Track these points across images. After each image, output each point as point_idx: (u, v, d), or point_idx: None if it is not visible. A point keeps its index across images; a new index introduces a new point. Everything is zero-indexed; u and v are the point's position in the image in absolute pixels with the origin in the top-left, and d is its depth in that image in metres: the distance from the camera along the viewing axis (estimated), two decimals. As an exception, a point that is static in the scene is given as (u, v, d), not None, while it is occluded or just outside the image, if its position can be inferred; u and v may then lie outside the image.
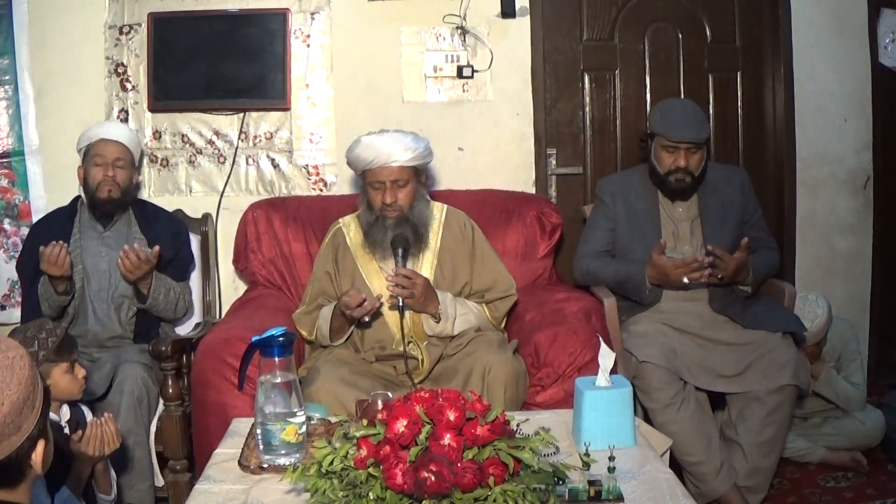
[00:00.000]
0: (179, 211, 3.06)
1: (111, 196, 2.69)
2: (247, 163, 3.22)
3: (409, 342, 2.41)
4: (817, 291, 2.96)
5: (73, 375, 2.01)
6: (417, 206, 2.49)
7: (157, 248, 2.58)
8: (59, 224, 2.74)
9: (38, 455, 1.18)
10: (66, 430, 1.99)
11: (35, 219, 3.07)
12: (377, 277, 2.48)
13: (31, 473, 1.19)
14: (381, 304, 2.40)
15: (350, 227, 2.61)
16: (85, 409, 2.15)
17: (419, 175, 2.52)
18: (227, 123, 3.20)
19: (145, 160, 3.20)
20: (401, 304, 2.33)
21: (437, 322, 2.42)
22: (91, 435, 1.87)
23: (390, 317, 2.45)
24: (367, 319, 2.36)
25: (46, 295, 2.59)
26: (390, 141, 2.42)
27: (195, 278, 3.00)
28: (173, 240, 2.81)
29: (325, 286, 2.56)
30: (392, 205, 2.44)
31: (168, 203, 3.05)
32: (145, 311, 2.67)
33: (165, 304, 2.67)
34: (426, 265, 2.51)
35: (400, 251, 2.40)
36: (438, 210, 2.61)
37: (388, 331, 2.45)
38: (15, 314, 3.05)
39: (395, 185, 2.44)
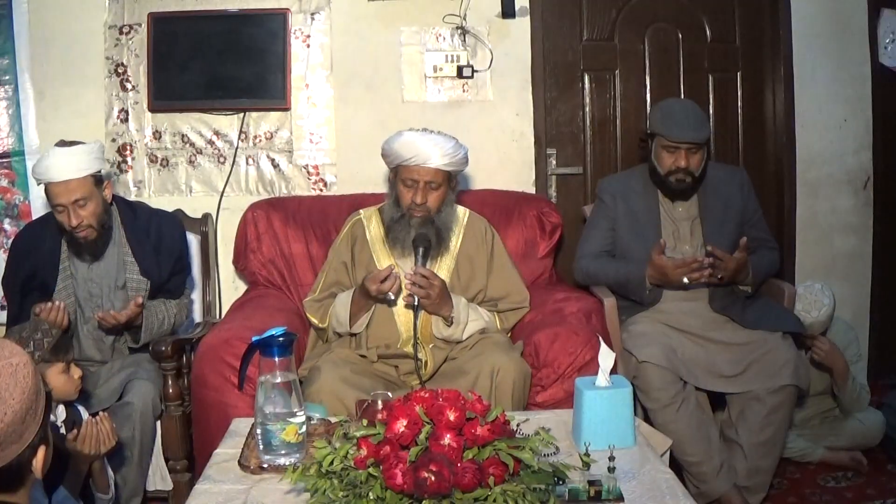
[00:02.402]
0: (179, 211, 3.04)
1: (88, 239, 2.49)
2: (247, 163, 3.22)
3: (414, 343, 2.41)
4: (825, 283, 2.95)
5: (69, 376, 2.00)
6: (445, 210, 2.49)
7: (140, 299, 2.46)
8: (47, 243, 2.55)
9: (38, 461, 1.18)
10: (63, 430, 1.99)
11: (34, 219, 2.99)
12: None
13: (31, 478, 1.19)
14: (401, 290, 2.39)
15: (371, 220, 2.59)
16: (81, 408, 2.14)
17: (452, 180, 2.51)
18: (227, 123, 3.20)
19: (145, 160, 3.20)
20: (416, 303, 2.33)
21: (449, 325, 2.42)
22: (86, 433, 1.86)
23: (400, 315, 2.45)
24: (392, 297, 2.34)
25: None
26: (431, 143, 2.41)
27: (195, 278, 2.99)
28: (168, 257, 2.64)
29: (340, 276, 2.55)
30: (421, 205, 2.43)
31: (168, 203, 3.05)
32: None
33: (160, 333, 2.56)
34: (444, 268, 2.51)
35: (421, 250, 2.40)
36: (461, 213, 2.61)
37: (395, 330, 2.45)
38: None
39: (427, 186, 2.43)
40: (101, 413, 1.92)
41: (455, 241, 2.55)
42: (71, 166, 2.41)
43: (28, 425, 1.14)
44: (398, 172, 2.48)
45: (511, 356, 2.30)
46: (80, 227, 2.45)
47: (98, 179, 2.50)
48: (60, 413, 2.03)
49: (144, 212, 2.73)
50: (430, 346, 2.44)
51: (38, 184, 2.51)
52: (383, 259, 2.51)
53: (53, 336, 1.98)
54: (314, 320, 2.53)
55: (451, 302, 2.41)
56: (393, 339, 2.45)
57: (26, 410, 1.13)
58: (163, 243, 2.65)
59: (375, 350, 2.43)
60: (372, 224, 2.58)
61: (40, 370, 1.86)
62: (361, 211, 2.65)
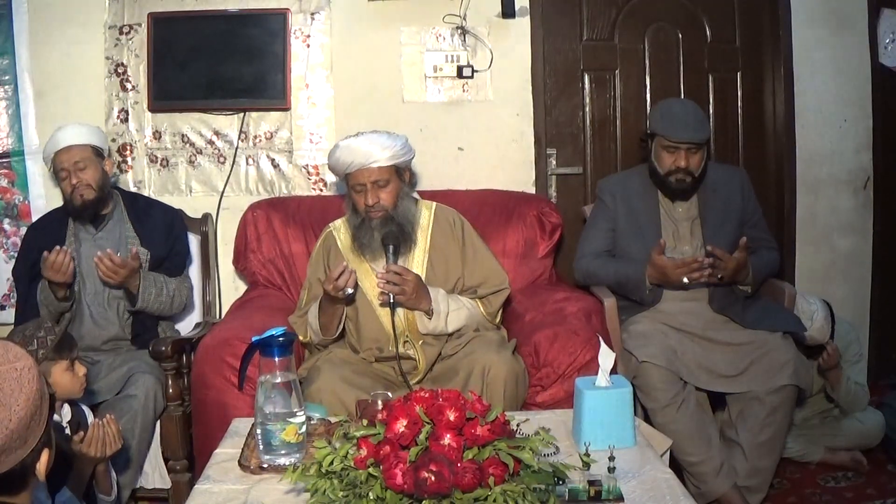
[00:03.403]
0: (180, 211, 3.04)
1: (86, 199, 2.65)
2: (247, 163, 3.22)
3: (405, 341, 2.42)
4: (809, 293, 2.95)
5: (74, 374, 2.00)
6: (402, 204, 2.47)
7: (134, 249, 2.60)
8: (54, 227, 2.72)
9: (41, 464, 1.18)
10: (67, 431, 1.99)
11: (35, 219, 3.04)
12: (369, 279, 2.47)
13: (34, 480, 1.19)
14: (357, 285, 2.39)
15: (340, 231, 2.60)
16: (86, 409, 2.15)
17: (401, 174, 2.50)
18: (227, 123, 3.20)
19: (145, 160, 3.20)
20: (392, 300, 2.33)
21: (430, 318, 2.42)
22: (93, 436, 1.87)
23: (385, 317, 2.44)
24: (350, 291, 2.33)
25: (46, 301, 2.56)
26: (366, 142, 2.42)
27: (195, 278, 2.99)
28: (167, 235, 2.79)
29: (317, 291, 2.54)
30: (375, 206, 2.43)
31: (168, 203, 3.04)
32: (140, 311, 2.65)
33: (158, 303, 2.65)
34: (417, 263, 2.51)
35: (391, 248, 2.40)
36: (427, 208, 2.60)
37: (384, 332, 2.45)
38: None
39: (375, 185, 2.43)
40: (107, 416, 1.92)
41: (425, 235, 2.54)
42: (73, 134, 2.67)
43: (33, 430, 1.14)
44: (347, 180, 2.49)
45: (502, 355, 2.29)
46: (80, 186, 2.64)
47: (98, 153, 2.71)
48: (66, 413, 2.03)
49: (144, 198, 2.96)
50: (420, 343, 2.44)
51: (49, 167, 2.73)
52: (357, 266, 2.48)
53: (57, 333, 1.98)
54: (300, 336, 2.54)
55: (429, 295, 2.40)
56: (383, 342, 2.44)
57: (31, 416, 1.13)
58: (162, 222, 2.82)
59: (371, 353, 2.44)
60: (341, 234, 2.58)
61: (44, 368, 1.88)
62: (332, 223, 2.64)
